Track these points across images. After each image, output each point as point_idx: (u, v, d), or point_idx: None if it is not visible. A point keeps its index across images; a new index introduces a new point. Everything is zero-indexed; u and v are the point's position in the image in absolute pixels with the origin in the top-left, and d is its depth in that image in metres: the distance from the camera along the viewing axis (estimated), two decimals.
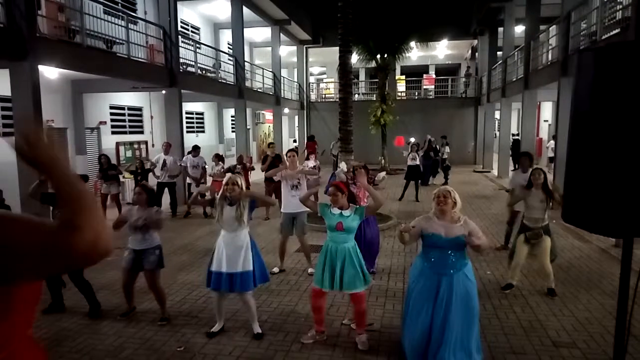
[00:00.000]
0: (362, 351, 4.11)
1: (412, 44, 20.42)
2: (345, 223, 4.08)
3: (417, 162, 12.90)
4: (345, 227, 4.07)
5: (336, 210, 4.17)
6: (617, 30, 8.79)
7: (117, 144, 13.91)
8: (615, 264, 6.47)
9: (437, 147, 16.24)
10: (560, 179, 9.80)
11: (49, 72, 9.23)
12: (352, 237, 4.17)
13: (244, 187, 4.40)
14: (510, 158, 18.76)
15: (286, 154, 6.73)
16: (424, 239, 3.73)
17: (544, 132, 21.47)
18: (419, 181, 12.75)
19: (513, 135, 20.12)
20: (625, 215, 1.65)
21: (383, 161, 19.59)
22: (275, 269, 6.36)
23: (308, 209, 6.49)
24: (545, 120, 21.94)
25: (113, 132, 13.92)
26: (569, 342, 4.30)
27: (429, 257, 3.68)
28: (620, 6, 9.34)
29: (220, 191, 4.45)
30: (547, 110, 21.78)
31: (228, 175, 4.62)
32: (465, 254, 3.69)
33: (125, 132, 14.59)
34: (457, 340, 3.53)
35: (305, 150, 10.29)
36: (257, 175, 12.87)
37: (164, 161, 10.08)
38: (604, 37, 8.92)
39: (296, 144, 22.37)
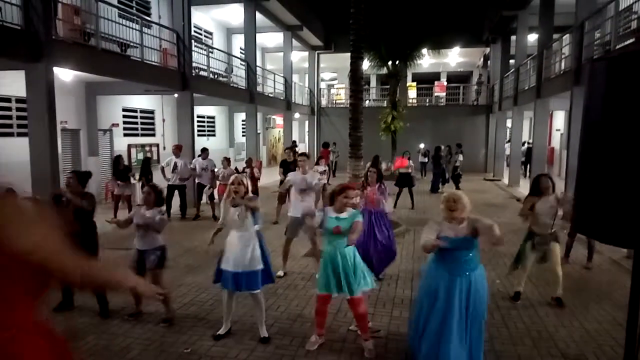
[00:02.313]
0: (369, 358, 4.10)
1: (424, 51, 20.38)
2: (343, 226, 4.08)
3: (409, 170, 12.85)
4: (343, 230, 4.07)
5: (333, 214, 4.16)
6: (631, 40, 8.72)
7: (129, 146, 14.04)
8: (627, 276, 6.38)
9: (443, 155, 16.18)
10: (570, 189, 9.71)
11: (64, 74, 9.37)
12: None
13: (249, 188, 4.41)
14: (522, 166, 18.74)
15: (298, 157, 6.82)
16: None
17: (556, 141, 21.30)
18: (412, 189, 12.70)
19: (528, 143, 20.01)
20: (637, 225, 1.63)
21: (393, 167, 19.52)
22: (280, 272, 6.35)
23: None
24: (557, 130, 21.76)
25: (125, 135, 14.06)
26: (577, 353, 4.25)
27: (443, 259, 3.70)
28: (635, 15, 9.28)
29: (226, 192, 4.47)
30: (559, 120, 21.59)
31: (234, 175, 4.63)
32: (477, 255, 3.69)
33: (137, 135, 14.73)
34: (466, 340, 3.54)
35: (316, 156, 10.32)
36: (266, 180, 12.90)
37: (175, 164, 10.16)
38: (618, 47, 8.85)
39: (297, 147, 22.24)
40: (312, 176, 6.63)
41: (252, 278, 4.28)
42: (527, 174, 18.34)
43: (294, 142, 19.61)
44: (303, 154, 7.14)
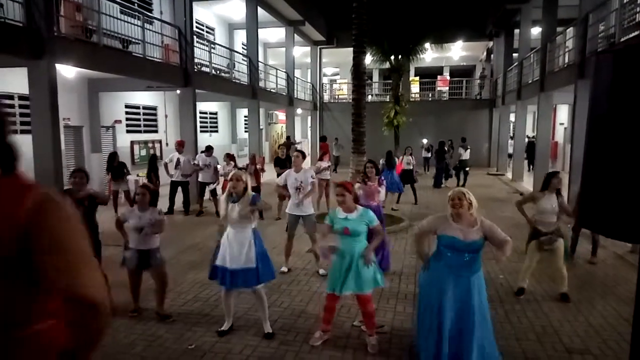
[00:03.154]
0: (373, 353, 4.09)
1: (427, 45, 20.30)
2: (351, 227, 4.06)
3: (411, 167, 12.95)
4: (352, 230, 4.05)
5: (342, 215, 4.15)
6: (636, 33, 8.65)
7: (132, 143, 14.07)
8: (632, 270, 6.36)
9: (446, 149, 16.16)
10: (575, 183, 9.67)
11: (66, 71, 9.36)
12: (363, 239, 4.13)
13: (249, 184, 4.40)
14: (526, 161, 18.68)
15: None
16: (440, 239, 3.66)
17: (560, 135, 21.21)
18: (414, 184, 12.75)
19: (528, 137, 19.96)
20: None
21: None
22: (284, 269, 6.35)
23: (313, 211, 6.53)
24: (561, 124, 21.67)
25: (128, 131, 14.08)
26: (582, 348, 4.24)
27: (445, 258, 3.63)
28: None
29: (227, 188, 4.45)
30: (563, 113, 21.51)
31: (233, 171, 4.61)
32: (480, 257, 3.64)
33: (139, 131, 14.75)
34: (478, 343, 3.52)
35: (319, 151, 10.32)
36: (269, 176, 12.89)
37: (178, 160, 10.17)
38: (622, 40, 8.78)
39: (295, 145, 22.12)
40: (305, 174, 6.44)
41: (249, 275, 4.25)
42: (530, 168, 18.31)
43: (289, 137, 19.57)
44: (298, 151, 6.91)
